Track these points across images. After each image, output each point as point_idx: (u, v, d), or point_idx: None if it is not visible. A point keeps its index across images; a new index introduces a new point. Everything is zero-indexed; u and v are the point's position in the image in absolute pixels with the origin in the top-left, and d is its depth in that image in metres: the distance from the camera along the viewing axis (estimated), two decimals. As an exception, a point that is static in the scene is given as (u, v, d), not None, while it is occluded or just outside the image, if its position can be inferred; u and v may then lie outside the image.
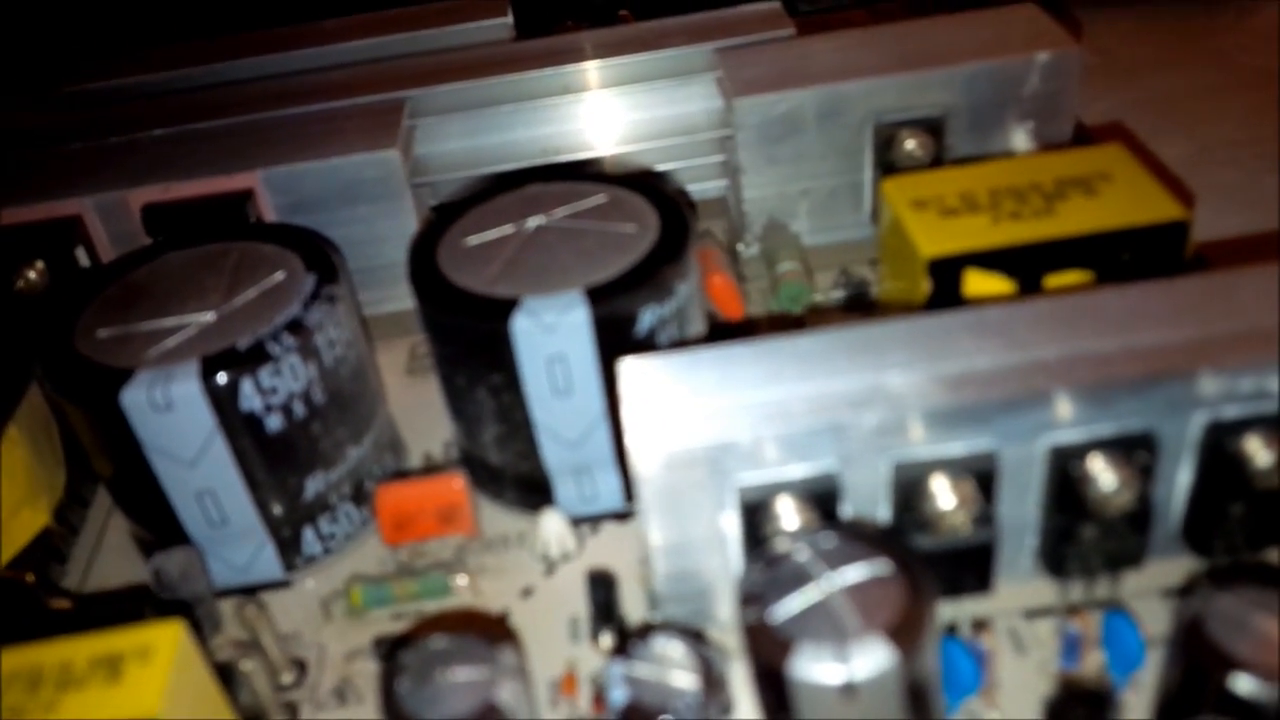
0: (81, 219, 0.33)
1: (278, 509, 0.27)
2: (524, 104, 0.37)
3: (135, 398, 0.25)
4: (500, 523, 0.29)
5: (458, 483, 0.27)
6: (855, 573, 0.19)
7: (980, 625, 0.24)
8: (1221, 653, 0.19)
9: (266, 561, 0.27)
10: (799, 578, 0.19)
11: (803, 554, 0.20)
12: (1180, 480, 0.23)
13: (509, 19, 0.41)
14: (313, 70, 0.39)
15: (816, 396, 0.22)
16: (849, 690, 0.18)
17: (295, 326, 0.26)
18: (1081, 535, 0.23)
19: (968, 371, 0.22)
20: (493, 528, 0.28)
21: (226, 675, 0.23)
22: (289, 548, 0.27)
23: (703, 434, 0.22)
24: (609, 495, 0.28)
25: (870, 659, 0.18)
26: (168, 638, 0.20)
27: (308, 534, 0.28)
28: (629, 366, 0.24)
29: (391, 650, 0.21)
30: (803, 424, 0.22)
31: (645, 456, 0.22)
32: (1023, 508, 0.23)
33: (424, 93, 0.36)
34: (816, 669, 0.18)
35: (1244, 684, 0.18)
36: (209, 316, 0.27)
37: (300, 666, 0.26)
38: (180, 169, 0.33)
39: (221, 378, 0.25)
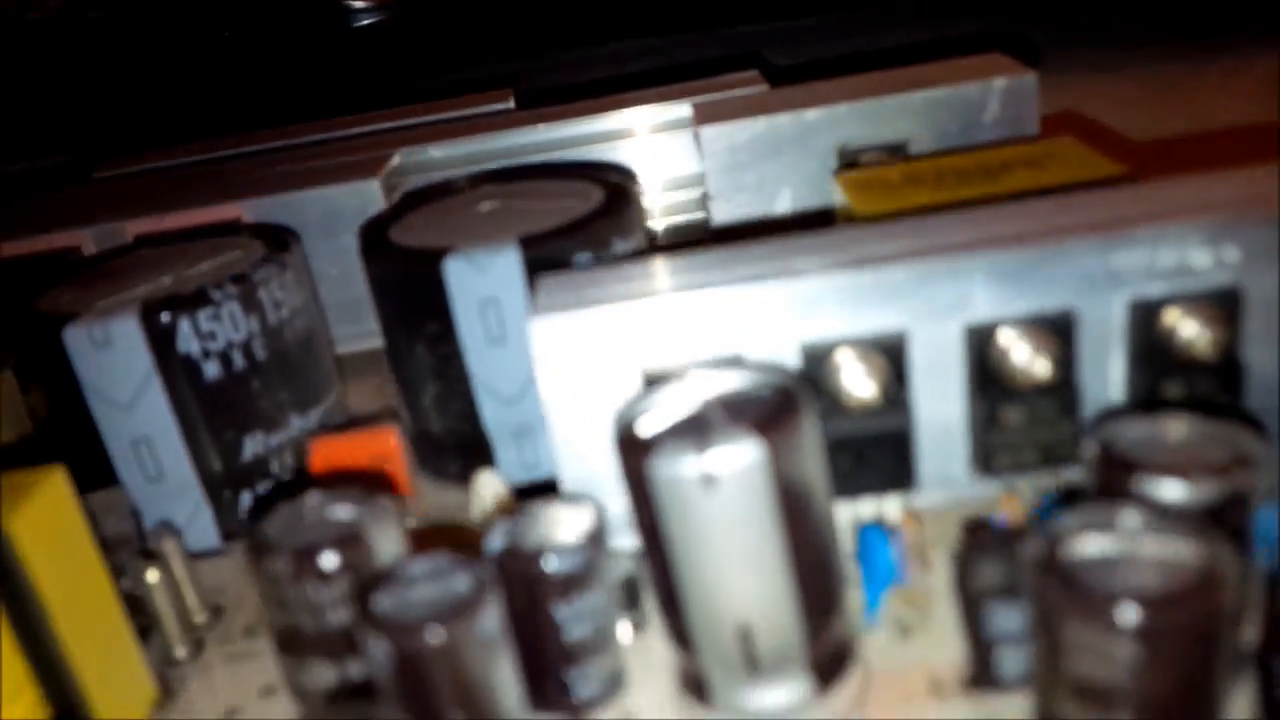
0: (80, 250, 0.35)
1: (214, 465, 0.27)
2: (513, 160, 0.38)
3: (76, 334, 0.25)
4: (443, 498, 0.28)
5: (391, 436, 0.27)
6: (730, 384, 0.19)
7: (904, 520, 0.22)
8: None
9: (204, 526, 0.27)
10: (680, 401, 0.19)
11: (688, 378, 0.19)
12: (1114, 368, 0.22)
13: (511, 104, 0.43)
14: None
15: (724, 286, 0.22)
16: (709, 481, 0.17)
17: (239, 279, 0.27)
18: (1007, 420, 0.21)
19: (876, 255, 0.22)
20: (436, 502, 0.28)
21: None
22: (227, 513, 0.27)
23: (609, 325, 0.22)
24: (551, 460, 0.27)
25: (731, 451, 0.17)
26: (49, 478, 0.19)
27: (246, 499, 0.27)
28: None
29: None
30: (713, 312, 0.22)
31: (544, 336, 0.22)
32: (945, 399, 0.22)
33: (414, 150, 0.38)
34: (676, 464, 0.17)
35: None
36: (165, 281, 0.28)
37: (216, 611, 0.25)
38: (173, 202, 0.35)
39: (161, 317, 0.26)
